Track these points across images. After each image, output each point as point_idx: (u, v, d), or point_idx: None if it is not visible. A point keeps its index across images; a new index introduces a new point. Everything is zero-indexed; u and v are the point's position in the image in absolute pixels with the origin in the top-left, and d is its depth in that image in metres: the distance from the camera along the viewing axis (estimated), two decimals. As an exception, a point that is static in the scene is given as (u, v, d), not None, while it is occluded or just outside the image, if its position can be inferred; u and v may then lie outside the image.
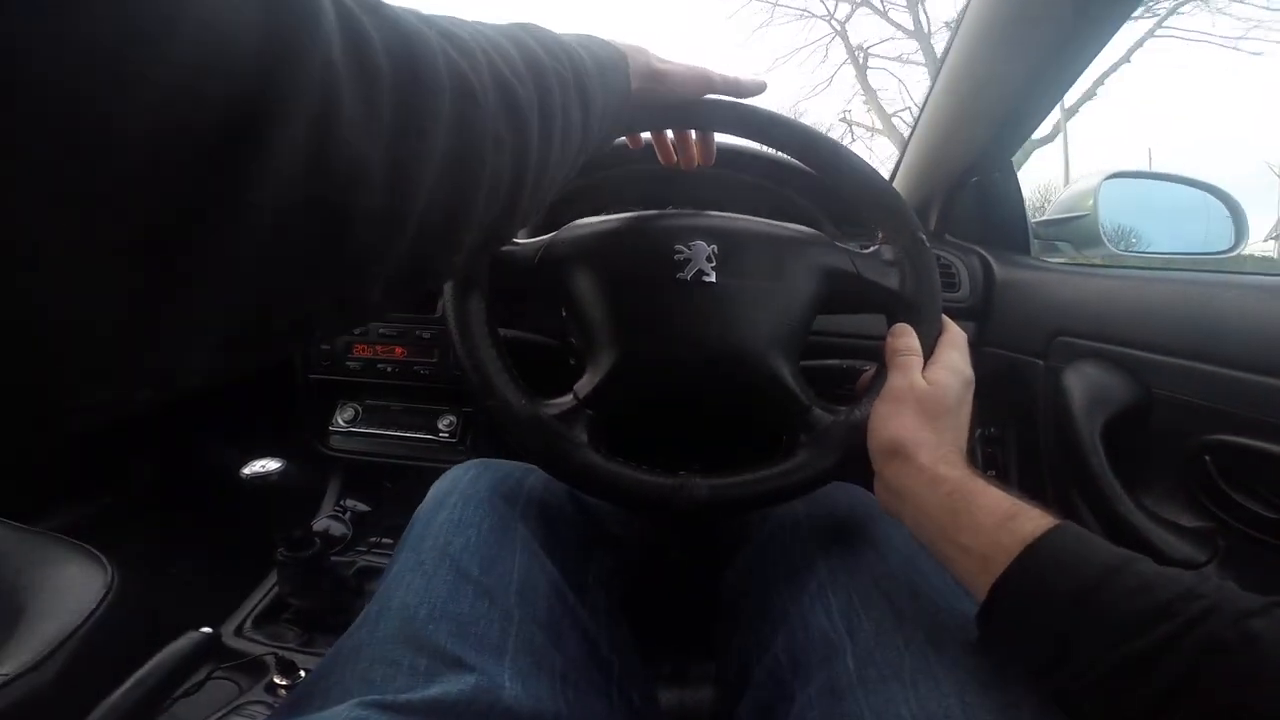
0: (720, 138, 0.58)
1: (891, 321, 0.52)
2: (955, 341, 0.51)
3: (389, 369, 0.86)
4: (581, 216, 0.93)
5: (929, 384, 0.47)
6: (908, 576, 0.46)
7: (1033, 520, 0.37)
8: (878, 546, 0.50)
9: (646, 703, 0.51)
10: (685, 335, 0.50)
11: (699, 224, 0.53)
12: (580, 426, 0.50)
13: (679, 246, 0.51)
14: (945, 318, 0.53)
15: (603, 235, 0.53)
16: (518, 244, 0.53)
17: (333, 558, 0.84)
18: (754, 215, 0.56)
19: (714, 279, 0.50)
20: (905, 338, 0.50)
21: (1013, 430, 0.83)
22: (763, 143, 0.56)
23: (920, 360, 0.49)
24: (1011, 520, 0.37)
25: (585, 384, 0.51)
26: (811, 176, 0.59)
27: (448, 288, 0.51)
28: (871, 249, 0.55)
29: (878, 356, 0.52)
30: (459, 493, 0.53)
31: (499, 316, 0.52)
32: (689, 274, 0.50)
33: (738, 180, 0.86)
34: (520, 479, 0.57)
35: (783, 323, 0.51)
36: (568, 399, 0.51)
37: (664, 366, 0.51)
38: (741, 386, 0.52)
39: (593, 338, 0.52)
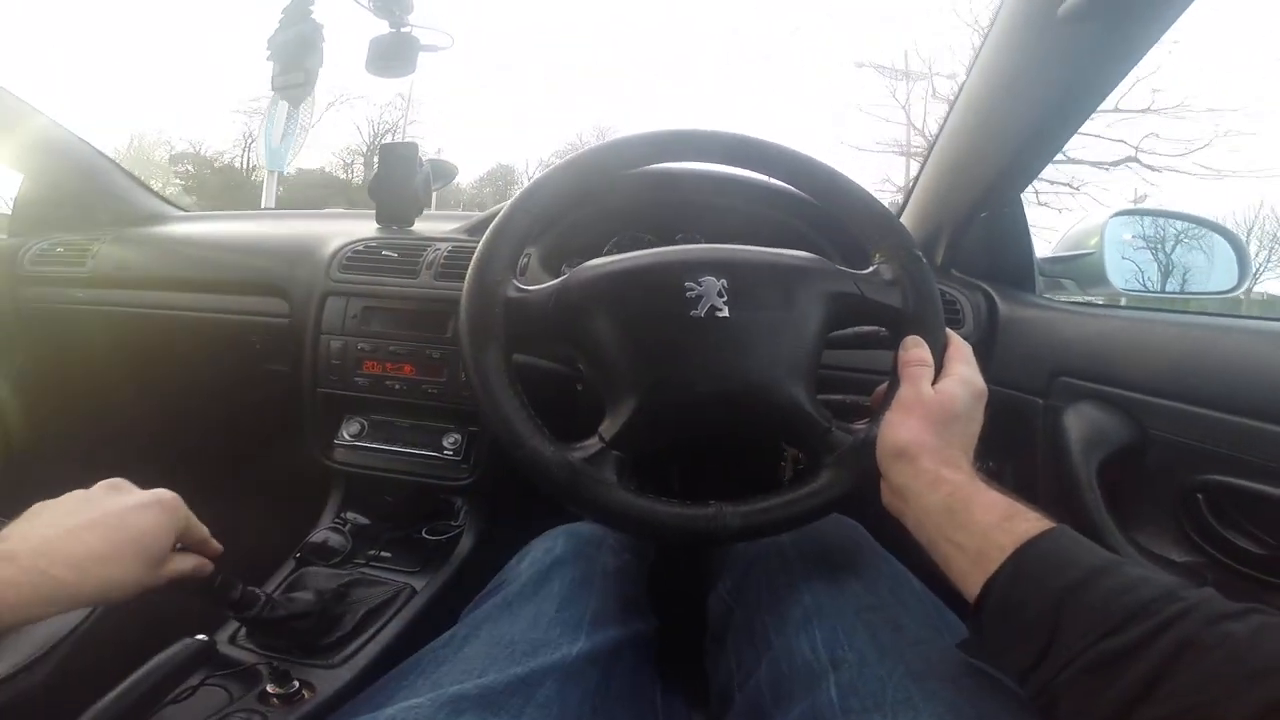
0: (723, 168, 0.60)
1: (898, 337, 0.53)
2: (963, 355, 0.52)
3: (397, 386, 0.87)
4: (592, 242, 0.95)
5: (937, 394, 0.48)
6: (892, 609, 0.47)
7: (1028, 521, 0.38)
8: (863, 578, 0.51)
9: None
10: (704, 371, 0.51)
11: (706, 258, 0.54)
12: (609, 467, 0.51)
13: (689, 284, 0.51)
14: (950, 332, 0.54)
15: (615, 277, 0.54)
16: (528, 291, 0.54)
17: (328, 568, 0.84)
18: (758, 243, 0.57)
19: (728, 314, 0.51)
20: (916, 350, 0.52)
21: (1011, 466, 0.83)
22: (761, 171, 0.58)
23: (930, 371, 0.50)
24: (1008, 521, 0.39)
25: (609, 426, 0.52)
26: (811, 203, 0.60)
27: (465, 339, 0.52)
28: (870, 270, 0.56)
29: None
30: (528, 565, 0.58)
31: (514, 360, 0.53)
32: (703, 310, 0.51)
33: (743, 208, 0.87)
34: (596, 546, 0.61)
35: (797, 351, 0.52)
36: (594, 442, 0.52)
37: (686, 404, 0.52)
38: (762, 416, 0.53)
39: (613, 380, 0.53)
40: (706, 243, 0.59)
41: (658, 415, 0.52)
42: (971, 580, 0.38)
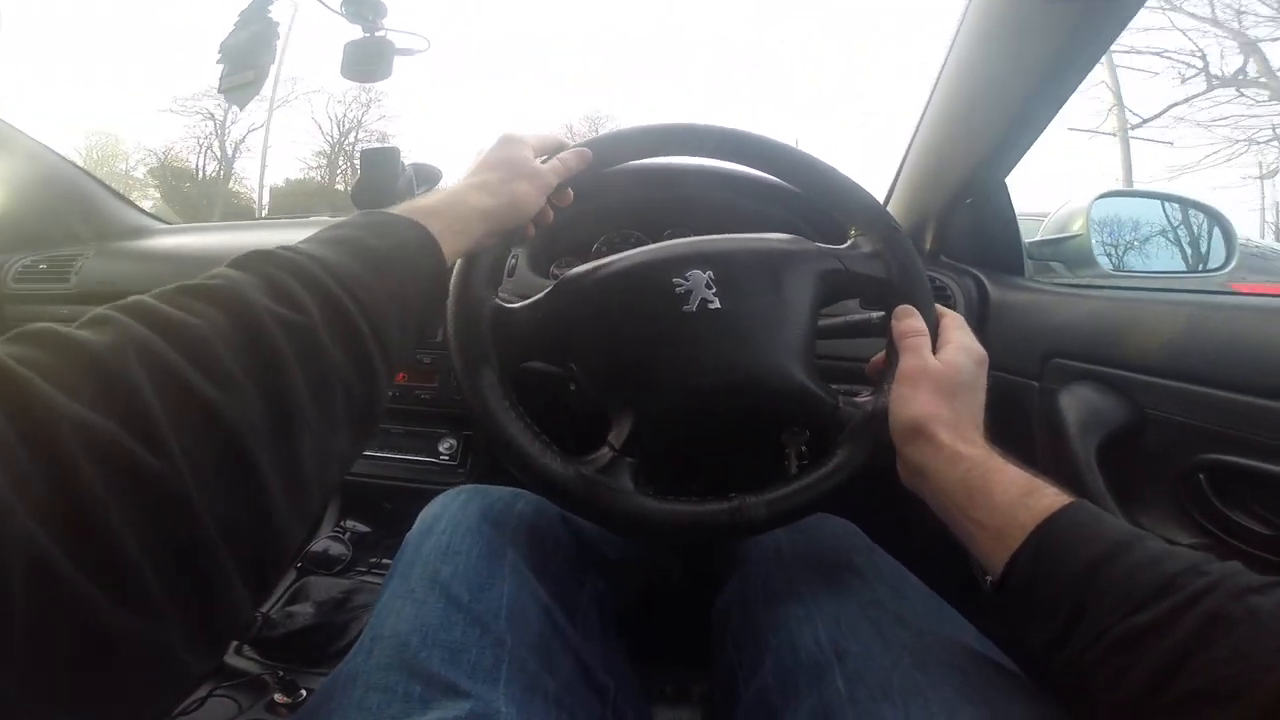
0: (709, 162, 0.60)
1: (888, 311, 0.54)
2: (958, 323, 0.52)
3: (390, 393, 0.86)
4: (580, 242, 0.94)
5: (942, 363, 0.48)
6: (894, 604, 0.47)
7: (1048, 497, 0.38)
8: (863, 576, 0.51)
9: None
10: (706, 365, 0.51)
11: (689, 252, 0.53)
12: (624, 475, 0.50)
13: (677, 280, 0.51)
14: (940, 306, 0.54)
15: (601, 282, 0.53)
16: (514, 305, 0.54)
17: (329, 577, 0.84)
18: (739, 232, 0.57)
19: (719, 305, 0.51)
20: (910, 319, 0.51)
21: (1010, 451, 0.83)
22: (737, 160, 0.58)
23: (928, 340, 0.50)
24: (1028, 496, 0.39)
25: (617, 434, 0.52)
26: (795, 193, 0.61)
27: (456, 361, 0.52)
28: (849, 244, 0.57)
29: (877, 381, 0.52)
30: (447, 519, 0.54)
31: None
32: (694, 305, 0.51)
33: (732, 201, 0.87)
34: (510, 504, 0.57)
35: (793, 332, 0.53)
36: (604, 452, 0.51)
37: (692, 400, 0.52)
38: (768, 402, 0.53)
39: (614, 386, 0.53)
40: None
41: (665, 415, 0.52)
42: (995, 557, 0.38)
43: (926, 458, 0.44)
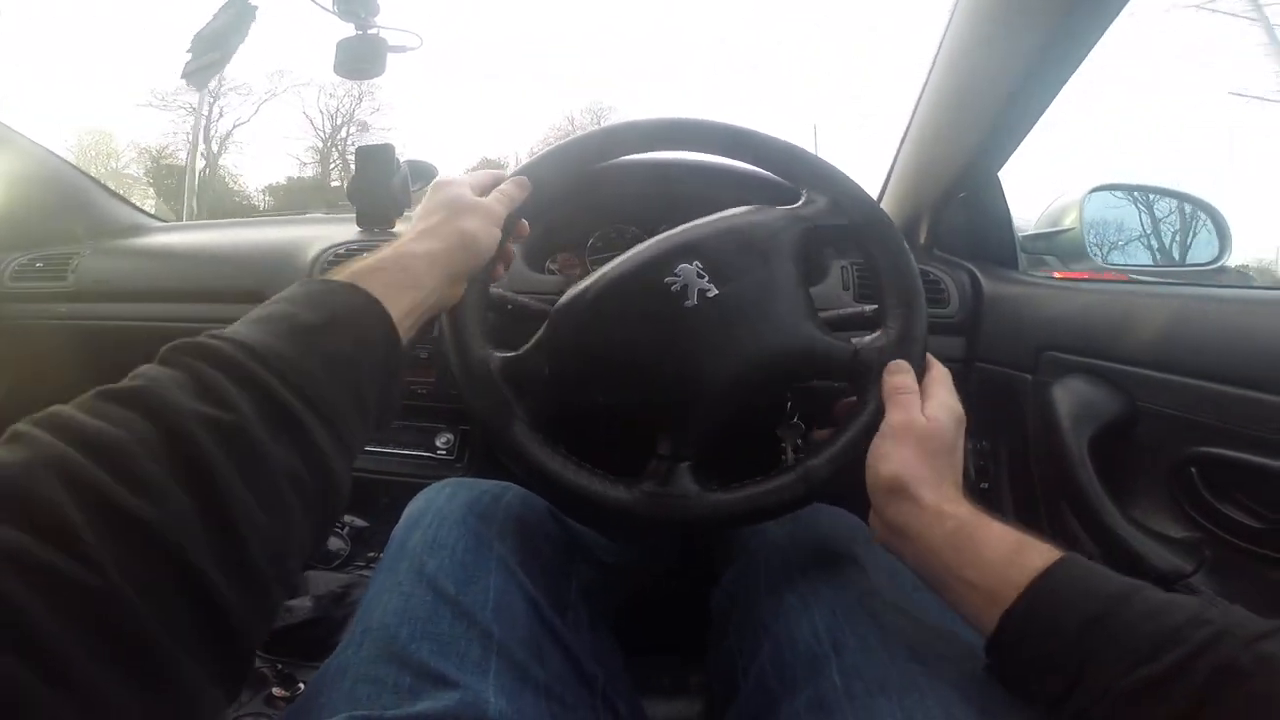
0: (697, 156, 0.62)
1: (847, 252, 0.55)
2: (944, 380, 0.51)
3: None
4: (575, 238, 0.95)
5: (929, 421, 0.46)
6: (892, 594, 0.47)
7: (1040, 554, 0.38)
8: (862, 566, 0.51)
9: (634, 714, 0.52)
10: (725, 350, 0.51)
11: (672, 247, 0.53)
12: (684, 479, 0.51)
13: (669, 279, 0.51)
14: (930, 358, 0.53)
15: (596, 303, 0.53)
16: (519, 353, 0.53)
17: (328, 571, 0.84)
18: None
19: (716, 290, 0.51)
20: (902, 375, 0.50)
21: (1003, 444, 0.84)
22: (672, 149, 0.59)
23: (918, 399, 0.48)
24: (1018, 555, 0.38)
25: (665, 442, 0.52)
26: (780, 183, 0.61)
27: (485, 424, 0.52)
28: (802, 201, 0.57)
29: (863, 377, 0.53)
30: (434, 512, 0.53)
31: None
32: (694, 298, 0.51)
33: (713, 193, 0.87)
34: (497, 496, 0.57)
35: (794, 296, 0.53)
36: (655, 464, 0.51)
37: (723, 387, 0.52)
38: (795, 367, 0.53)
39: (645, 398, 0.53)
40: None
41: (704, 411, 0.52)
42: (986, 617, 0.37)
43: (909, 517, 0.43)
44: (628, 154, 0.59)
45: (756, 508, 0.50)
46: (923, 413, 0.47)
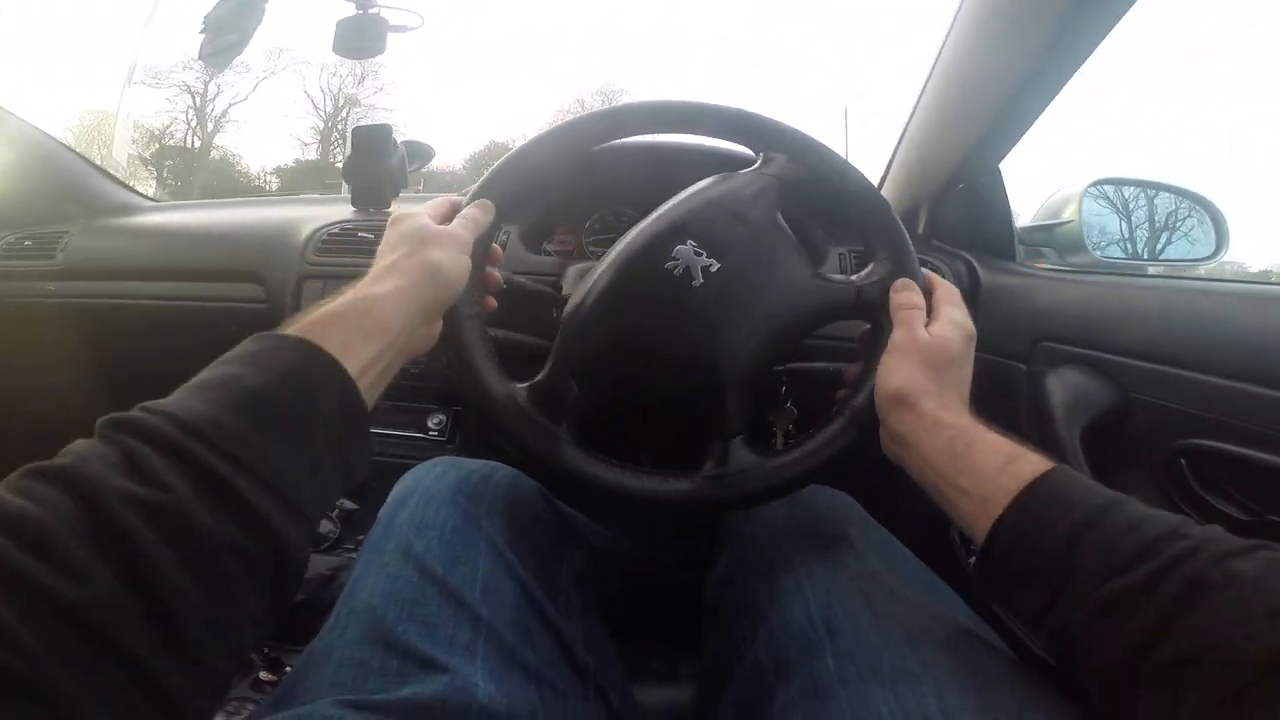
0: (692, 138, 0.60)
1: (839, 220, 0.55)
2: (952, 298, 0.52)
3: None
4: (571, 220, 0.94)
5: (932, 336, 0.48)
6: (885, 577, 0.47)
7: (1031, 464, 0.38)
8: (855, 548, 0.51)
9: (625, 702, 0.51)
10: (743, 322, 0.51)
11: (662, 232, 0.52)
12: (742, 452, 0.50)
13: (668, 263, 0.51)
14: (935, 275, 0.54)
15: (602, 302, 0.52)
16: (539, 381, 0.52)
17: (316, 554, 0.84)
18: None
19: (718, 264, 0.51)
20: (907, 292, 0.51)
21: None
22: (627, 135, 0.58)
23: (923, 314, 0.50)
24: (1011, 464, 0.39)
25: (712, 425, 0.51)
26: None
27: (542, 462, 0.50)
28: (760, 161, 0.57)
29: (872, 310, 0.53)
30: (421, 492, 0.52)
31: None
32: (700, 277, 0.50)
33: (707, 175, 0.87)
34: (487, 475, 0.56)
35: (787, 254, 0.54)
36: (713, 448, 0.51)
37: (754, 356, 0.51)
38: (809, 319, 0.54)
39: (675, 383, 0.52)
40: None
41: (741, 383, 0.51)
42: (979, 525, 0.38)
43: (909, 426, 0.45)
44: (586, 149, 0.57)
45: (821, 462, 0.50)
46: (928, 329, 0.48)
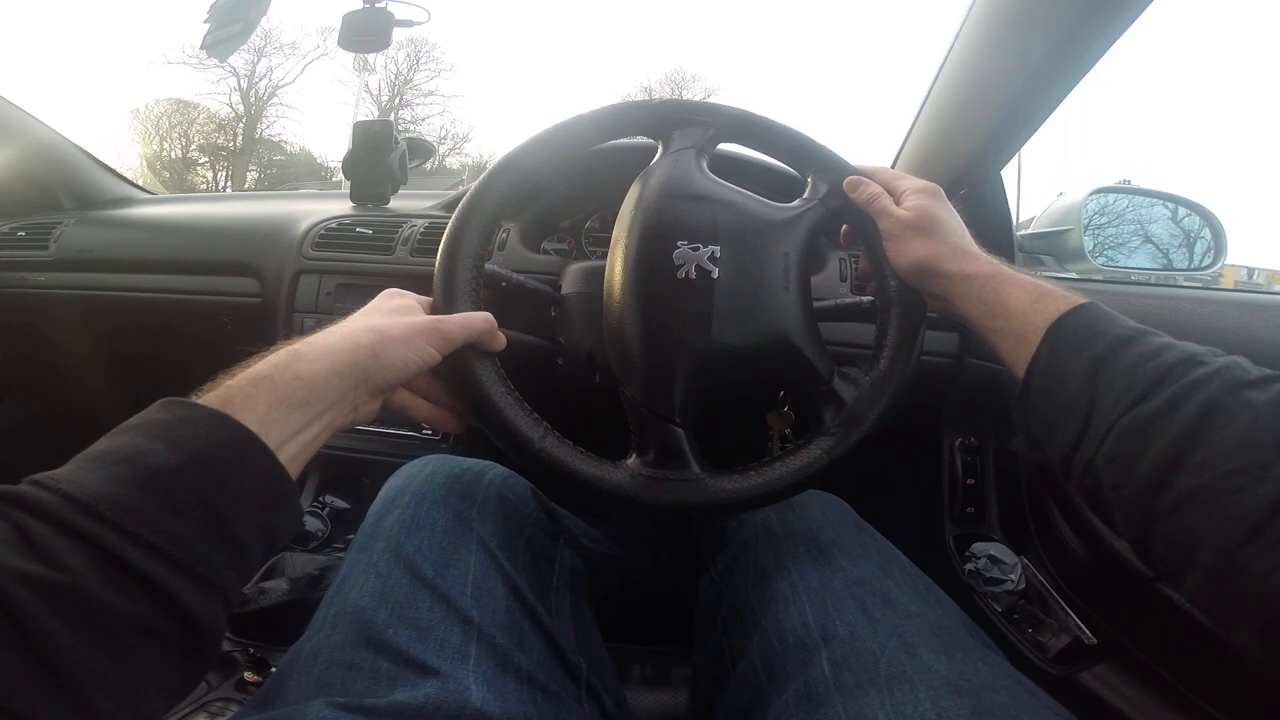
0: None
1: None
2: (891, 173, 0.55)
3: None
4: (572, 220, 0.93)
5: (907, 210, 0.51)
6: (880, 582, 0.47)
7: (1058, 300, 0.40)
8: (850, 553, 0.50)
9: (618, 706, 0.51)
10: (778, 277, 0.51)
11: (644, 246, 0.51)
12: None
13: (680, 276, 0.50)
14: (869, 167, 0.56)
15: (654, 355, 0.50)
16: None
17: (306, 553, 0.83)
18: None
19: (719, 249, 0.50)
20: (863, 187, 0.54)
21: (991, 440, 0.84)
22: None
23: (887, 196, 0.53)
24: (1039, 301, 0.41)
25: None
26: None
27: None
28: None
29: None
30: (412, 491, 0.51)
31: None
32: (714, 269, 0.50)
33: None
34: (479, 475, 0.55)
35: (748, 196, 0.54)
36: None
37: (801, 302, 0.52)
38: (808, 241, 0.54)
39: (765, 375, 0.52)
40: None
41: (811, 334, 0.51)
42: (1019, 364, 0.40)
43: (941, 287, 0.48)
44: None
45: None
46: (900, 206, 0.52)
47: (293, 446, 0.36)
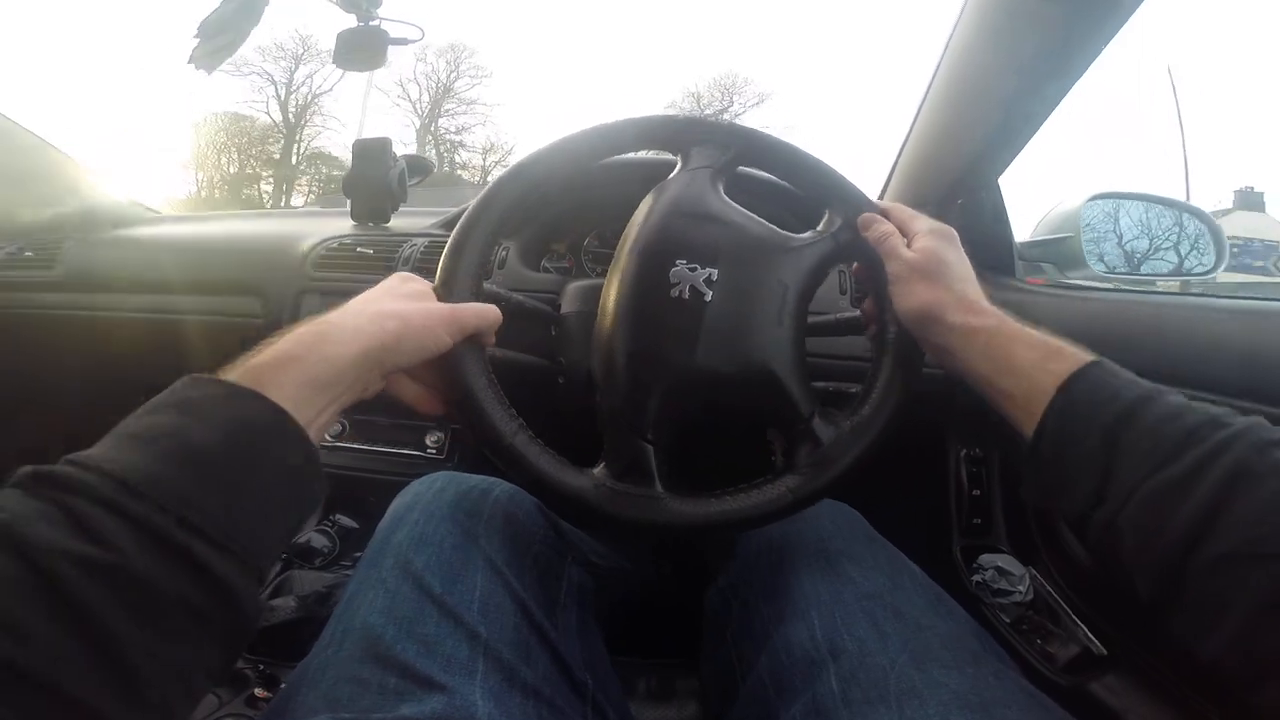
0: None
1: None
2: (910, 212, 0.54)
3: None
4: (570, 239, 0.94)
5: (917, 252, 0.49)
6: (891, 596, 0.46)
7: (1068, 359, 0.39)
8: (861, 566, 0.50)
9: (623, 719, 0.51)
10: (770, 309, 0.51)
11: (668, 249, 0.51)
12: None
13: (674, 294, 0.49)
14: (888, 204, 0.55)
15: (636, 371, 0.50)
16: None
17: (314, 570, 0.83)
18: None
19: (716, 271, 0.50)
20: (876, 225, 0.53)
21: (995, 453, 0.84)
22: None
23: (899, 237, 0.51)
24: (1048, 360, 0.40)
25: (810, 442, 0.50)
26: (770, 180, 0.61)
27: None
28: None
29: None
30: (420, 508, 0.52)
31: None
32: (708, 292, 0.49)
33: None
34: (486, 491, 0.55)
35: (758, 222, 0.54)
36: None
37: (792, 337, 0.51)
38: (811, 280, 0.53)
39: (741, 403, 0.52)
40: None
41: (797, 370, 0.51)
42: (1026, 423, 0.39)
43: (943, 338, 0.47)
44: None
45: (887, 421, 0.50)
46: (911, 248, 0.50)
47: (315, 426, 0.36)
